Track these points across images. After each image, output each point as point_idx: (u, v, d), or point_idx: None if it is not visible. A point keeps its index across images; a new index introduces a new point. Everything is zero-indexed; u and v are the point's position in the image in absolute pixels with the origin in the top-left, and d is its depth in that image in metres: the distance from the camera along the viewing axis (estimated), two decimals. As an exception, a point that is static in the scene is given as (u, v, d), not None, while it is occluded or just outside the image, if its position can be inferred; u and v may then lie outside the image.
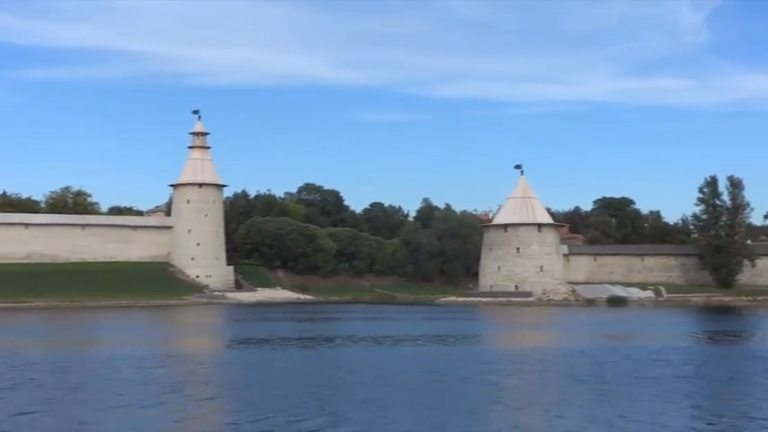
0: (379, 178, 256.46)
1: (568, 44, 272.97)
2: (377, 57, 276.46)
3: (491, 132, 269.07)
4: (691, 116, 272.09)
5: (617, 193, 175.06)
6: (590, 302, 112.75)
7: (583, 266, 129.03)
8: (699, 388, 32.03)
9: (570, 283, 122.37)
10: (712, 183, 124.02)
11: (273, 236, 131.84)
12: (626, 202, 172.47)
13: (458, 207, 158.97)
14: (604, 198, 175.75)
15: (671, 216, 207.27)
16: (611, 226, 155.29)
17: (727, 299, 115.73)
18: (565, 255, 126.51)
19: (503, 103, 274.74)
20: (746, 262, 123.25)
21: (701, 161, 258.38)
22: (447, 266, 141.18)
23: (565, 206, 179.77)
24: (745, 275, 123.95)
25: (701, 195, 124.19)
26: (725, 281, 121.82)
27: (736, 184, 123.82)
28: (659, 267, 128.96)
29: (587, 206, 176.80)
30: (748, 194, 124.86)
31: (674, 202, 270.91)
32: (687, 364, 39.62)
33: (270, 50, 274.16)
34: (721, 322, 77.08)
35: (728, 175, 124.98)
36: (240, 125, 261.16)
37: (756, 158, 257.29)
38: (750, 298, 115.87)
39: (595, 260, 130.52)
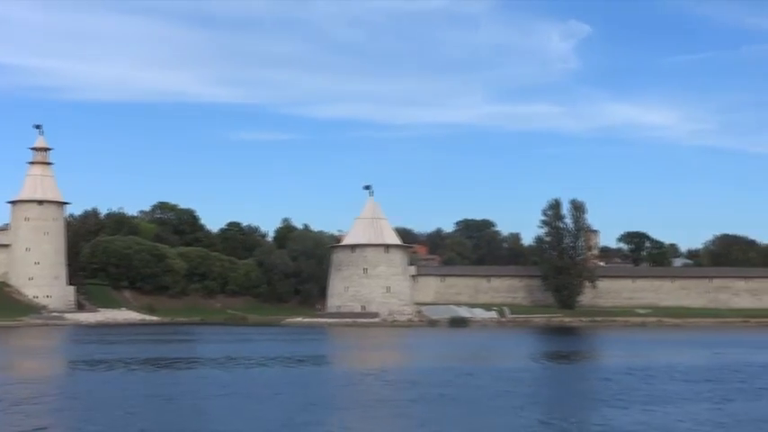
0: (241, 198, 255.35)
1: (443, 69, 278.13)
2: (253, 76, 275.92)
3: (359, 153, 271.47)
4: (557, 141, 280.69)
5: (480, 215, 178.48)
6: (433, 323, 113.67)
7: (431, 287, 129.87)
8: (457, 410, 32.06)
9: (418, 303, 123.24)
10: (555, 206, 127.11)
11: (120, 255, 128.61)
12: (486, 225, 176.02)
13: (318, 228, 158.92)
14: (466, 220, 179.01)
15: (530, 238, 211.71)
16: (466, 247, 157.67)
17: (567, 320, 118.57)
18: (413, 276, 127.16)
19: (376, 125, 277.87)
20: (588, 284, 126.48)
21: (564, 185, 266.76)
22: (302, 287, 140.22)
23: (429, 227, 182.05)
24: (587, 297, 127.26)
25: (544, 218, 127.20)
26: (566, 302, 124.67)
27: (578, 208, 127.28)
28: (505, 288, 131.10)
29: (450, 227, 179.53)
30: (607, 217, 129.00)
31: (534, 225, 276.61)
32: (440, 385, 39.80)
33: (145, 67, 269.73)
34: (549, 342, 78.90)
35: (571, 198, 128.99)
36: (100, 142, 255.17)
37: (618, 182, 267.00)
38: (589, 319, 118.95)
39: (443, 281, 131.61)
